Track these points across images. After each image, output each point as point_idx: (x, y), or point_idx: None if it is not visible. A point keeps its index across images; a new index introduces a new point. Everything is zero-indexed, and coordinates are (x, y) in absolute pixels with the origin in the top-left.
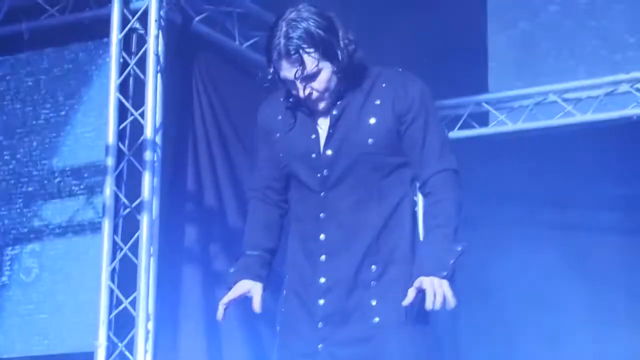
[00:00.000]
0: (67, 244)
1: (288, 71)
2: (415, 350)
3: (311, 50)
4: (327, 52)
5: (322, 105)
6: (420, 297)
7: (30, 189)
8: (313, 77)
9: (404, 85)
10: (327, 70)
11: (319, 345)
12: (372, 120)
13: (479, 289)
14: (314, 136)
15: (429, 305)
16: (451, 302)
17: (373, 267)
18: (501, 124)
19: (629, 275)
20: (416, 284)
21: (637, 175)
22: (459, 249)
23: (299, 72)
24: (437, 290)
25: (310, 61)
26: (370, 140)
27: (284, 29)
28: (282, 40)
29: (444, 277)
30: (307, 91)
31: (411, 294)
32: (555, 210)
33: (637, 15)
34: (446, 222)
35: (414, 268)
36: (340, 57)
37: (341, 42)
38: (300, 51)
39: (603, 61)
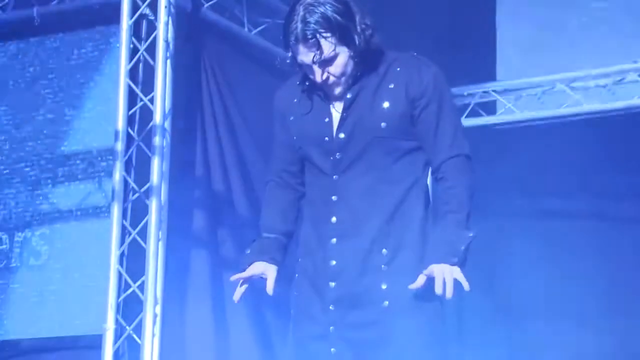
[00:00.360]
0: (77, 228)
1: (305, 55)
2: (423, 335)
3: (328, 34)
4: (344, 36)
5: (338, 90)
6: (431, 283)
7: (40, 173)
8: (330, 61)
9: (418, 70)
10: (344, 55)
11: (331, 328)
12: (386, 104)
13: (484, 278)
14: (327, 119)
15: (438, 291)
16: (465, 286)
17: (384, 250)
18: (509, 112)
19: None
20: (427, 271)
21: None
22: (471, 234)
23: (316, 56)
24: (447, 278)
25: (328, 46)
26: (383, 124)
27: (301, 13)
28: (300, 25)
29: (455, 264)
30: (325, 76)
31: (420, 279)
32: (560, 199)
33: None
34: (458, 208)
35: (425, 253)
36: (357, 42)
37: (358, 27)
38: (318, 35)
39: (611, 50)
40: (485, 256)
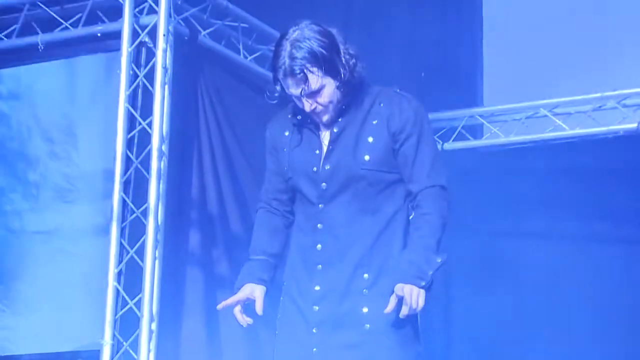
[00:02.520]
0: (77, 246)
1: (294, 88)
2: (405, 356)
3: (315, 69)
4: (329, 69)
5: (326, 118)
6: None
7: (43, 193)
8: (317, 92)
9: (399, 106)
10: (330, 86)
11: (314, 349)
12: (370, 139)
13: (473, 292)
14: (317, 151)
15: (403, 312)
16: (419, 309)
17: (365, 275)
18: (494, 137)
19: (610, 281)
20: (397, 291)
21: (624, 186)
22: (439, 260)
23: (304, 90)
24: (413, 299)
25: (314, 79)
26: (367, 157)
27: (288, 48)
28: (287, 61)
29: (422, 287)
30: (313, 106)
31: (392, 301)
32: (543, 219)
33: (624, 36)
34: (429, 233)
35: (395, 276)
36: (342, 73)
37: (342, 58)
38: (305, 70)
39: (592, 78)
40: (471, 271)
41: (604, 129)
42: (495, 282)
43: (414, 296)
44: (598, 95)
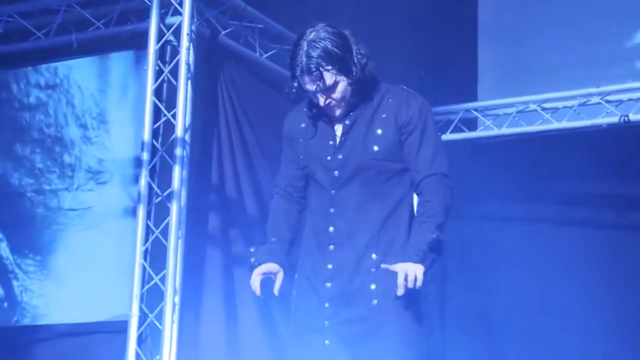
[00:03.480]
0: (108, 225)
1: (310, 85)
2: (404, 330)
3: (329, 67)
4: (343, 67)
5: (338, 112)
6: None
7: (75, 177)
8: (331, 89)
9: (406, 101)
10: (343, 83)
11: (326, 322)
12: (379, 131)
13: (464, 276)
14: (331, 142)
15: (399, 290)
16: (419, 282)
17: (374, 256)
18: (488, 129)
19: (593, 267)
20: (397, 269)
21: (607, 175)
22: (434, 235)
23: (320, 86)
24: (410, 272)
25: (329, 76)
26: (375, 148)
27: (305, 48)
28: (304, 59)
29: (417, 262)
30: (327, 101)
31: (400, 279)
32: (531, 205)
33: (608, 37)
34: (430, 218)
35: (399, 256)
36: (354, 71)
37: (355, 58)
38: (320, 68)
39: (578, 76)
40: (467, 260)
41: (588, 122)
42: (488, 264)
43: (410, 270)
44: (583, 91)
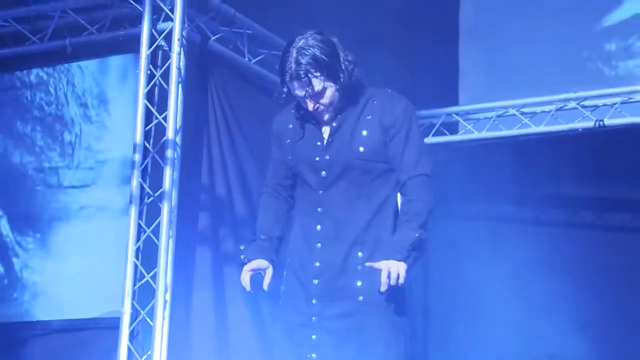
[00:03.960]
0: (101, 225)
1: (299, 90)
2: (388, 325)
3: (318, 74)
4: (330, 74)
5: (326, 116)
6: (395, 283)
7: (70, 178)
8: (320, 94)
9: (391, 104)
10: (331, 89)
11: (313, 318)
12: (364, 132)
13: (445, 271)
14: (319, 143)
15: (382, 287)
16: (402, 280)
17: (359, 253)
18: (468, 133)
19: (571, 265)
20: (381, 266)
21: (583, 177)
22: (417, 234)
23: (308, 92)
24: (392, 270)
25: (317, 82)
26: (361, 149)
27: (294, 55)
28: (293, 66)
29: (400, 260)
30: (315, 106)
31: (383, 276)
32: (510, 206)
33: (584, 44)
34: (414, 217)
35: (383, 254)
36: (341, 78)
37: (342, 65)
38: (309, 75)
39: (555, 81)
40: (449, 257)
41: (565, 126)
42: (464, 261)
43: (393, 268)
44: (561, 97)
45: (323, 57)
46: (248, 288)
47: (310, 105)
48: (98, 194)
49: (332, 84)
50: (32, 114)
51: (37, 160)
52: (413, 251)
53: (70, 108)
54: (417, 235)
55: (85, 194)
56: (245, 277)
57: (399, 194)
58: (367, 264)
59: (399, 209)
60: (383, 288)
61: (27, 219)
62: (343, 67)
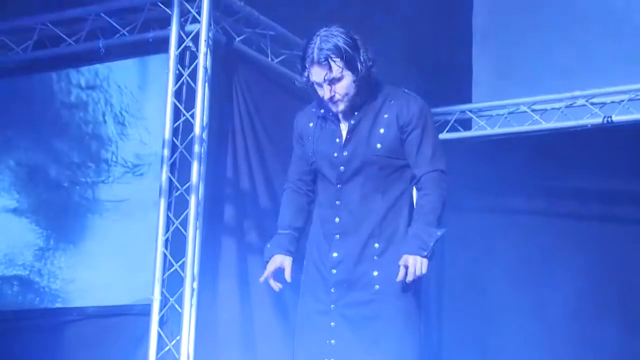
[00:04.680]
0: (132, 217)
1: (317, 75)
2: (403, 313)
3: (337, 59)
4: (350, 63)
5: (341, 107)
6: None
7: (111, 170)
8: (337, 81)
9: (407, 103)
10: (348, 78)
11: (332, 306)
12: (382, 130)
13: (459, 262)
14: (338, 140)
15: (409, 277)
16: (423, 273)
17: (376, 245)
18: (481, 129)
19: (580, 258)
20: (402, 261)
21: (591, 172)
22: (439, 233)
23: (327, 75)
24: (417, 267)
25: (336, 68)
26: (378, 145)
27: (317, 42)
28: (316, 50)
29: (424, 257)
30: (331, 93)
31: (402, 270)
32: (522, 199)
33: (593, 43)
34: (431, 211)
35: (402, 247)
36: (359, 69)
37: (362, 58)
38: (329, 59)
39: (565, 80)
40: (463, 249)
41: (574, 123)
42: (477, 252)
43: (417, 264)
44: (570, 94)
45: (345, 46)
46: (276, 289)
47: (327, 93)
48: (133, 208)
49: (350, 74)
50: (70, 133)
51: (73, 175)
52: (435, 247)
53: (107, 127)
54: (439, 233)
55: (121, 207)
56: (270, 281)
57: (414, 189)
58: (402, 265)
59: (415, 202)
60: (409, 278)
61: (62, 229)
62: (362, 60)
